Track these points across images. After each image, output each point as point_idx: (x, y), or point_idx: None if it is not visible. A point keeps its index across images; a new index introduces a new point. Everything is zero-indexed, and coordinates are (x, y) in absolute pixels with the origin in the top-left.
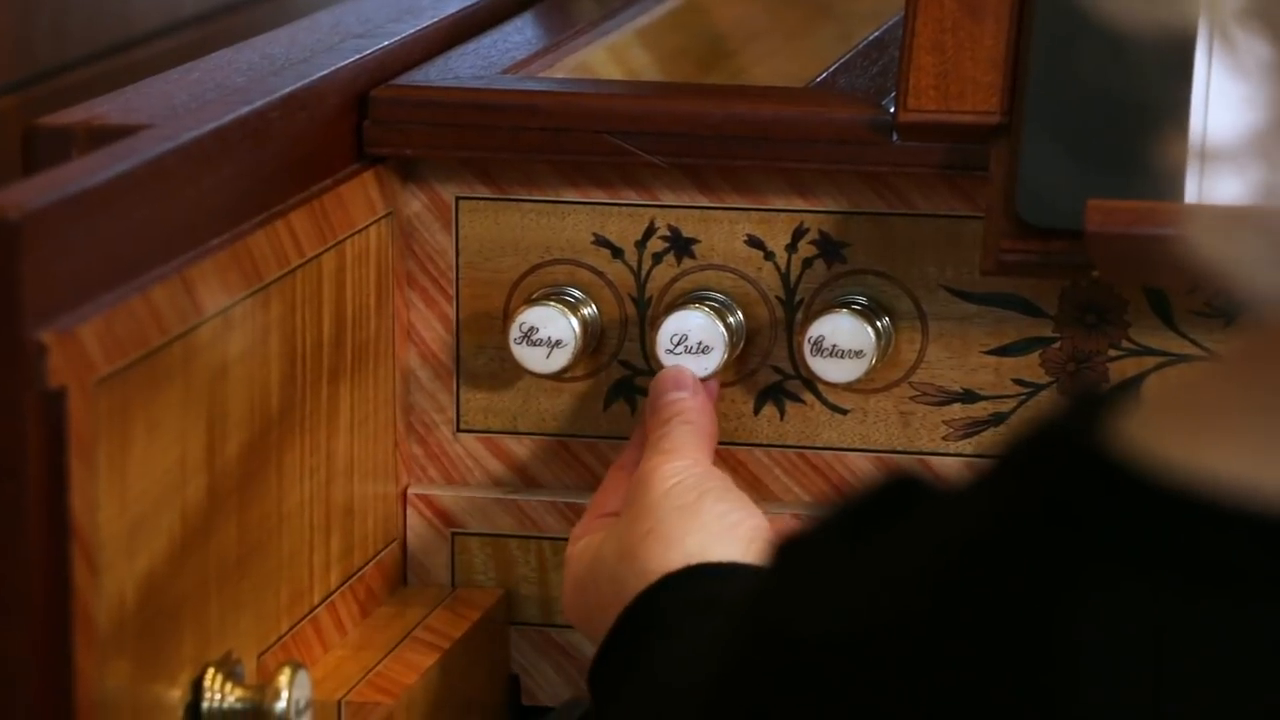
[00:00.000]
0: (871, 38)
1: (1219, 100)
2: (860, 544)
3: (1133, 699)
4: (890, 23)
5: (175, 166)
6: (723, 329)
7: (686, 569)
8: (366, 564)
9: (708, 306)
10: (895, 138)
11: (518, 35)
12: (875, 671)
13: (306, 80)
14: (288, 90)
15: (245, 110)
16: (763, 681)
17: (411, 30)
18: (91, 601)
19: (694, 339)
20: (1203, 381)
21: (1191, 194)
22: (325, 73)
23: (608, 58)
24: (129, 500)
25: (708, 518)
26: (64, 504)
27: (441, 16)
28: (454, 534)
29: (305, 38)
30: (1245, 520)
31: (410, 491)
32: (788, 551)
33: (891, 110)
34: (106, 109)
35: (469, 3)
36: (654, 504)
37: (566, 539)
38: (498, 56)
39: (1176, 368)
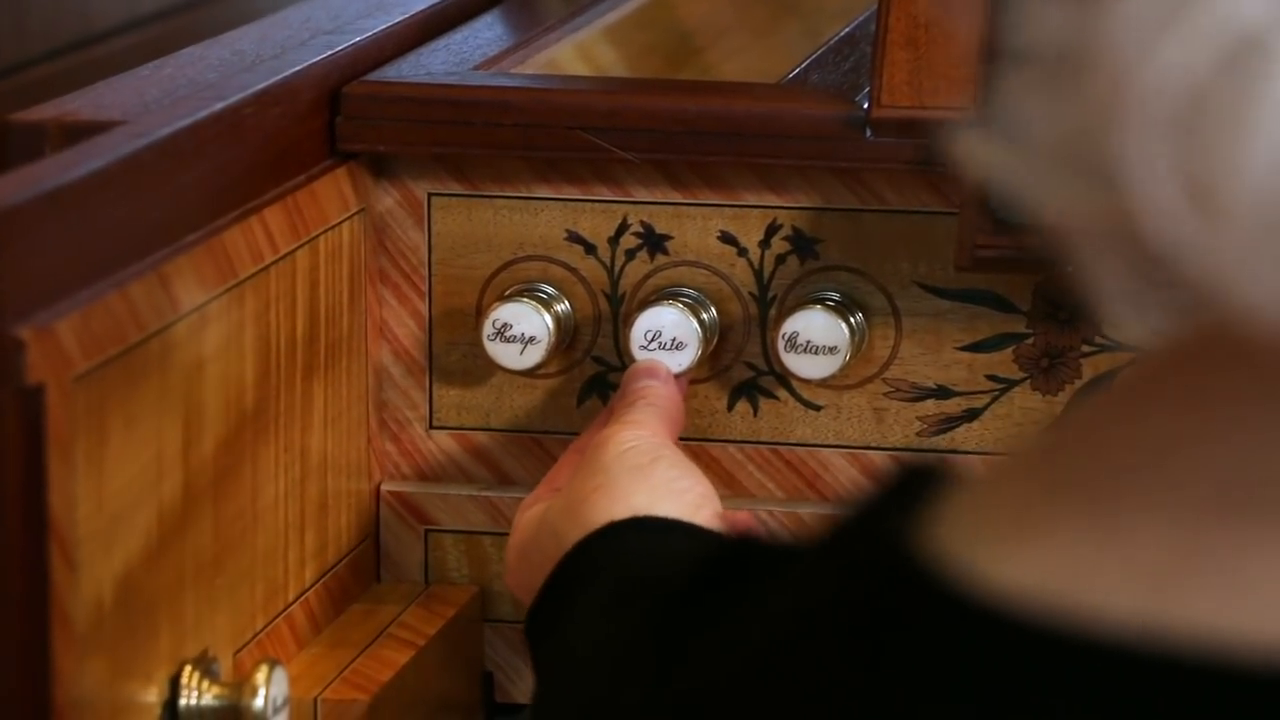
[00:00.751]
0: (842, 34)
1: None
2: (691, 638)
3: None
4: (861, 19)
5: (151, 163)
6: (696, 325)
7: (629, 519)
8: (340, 561)
9: (681, 303)
10: (869, 133)
11: (489, 31)
12: None
13: (280, 76)
14: (261, 86)
15: (219, 106)
16: None
17: (382, 26)
18: (69, 599)
19: (668, 335)
20: (1007, 480)
21: None
22: (298, 69)
23: (578, 55)
24: (106, 497)
25: (657, 480)
26: (42, 501)
27: (412, 13)
28: (427, 531)
29: (276, 34)
30: (1045, 639)
31: (383, 488)
32: (627, 608)
33: (865, 106)
34: (78, 105)
35: None
36: (606, 464)
37: None
38: (469, 53)
39: (994, 461)
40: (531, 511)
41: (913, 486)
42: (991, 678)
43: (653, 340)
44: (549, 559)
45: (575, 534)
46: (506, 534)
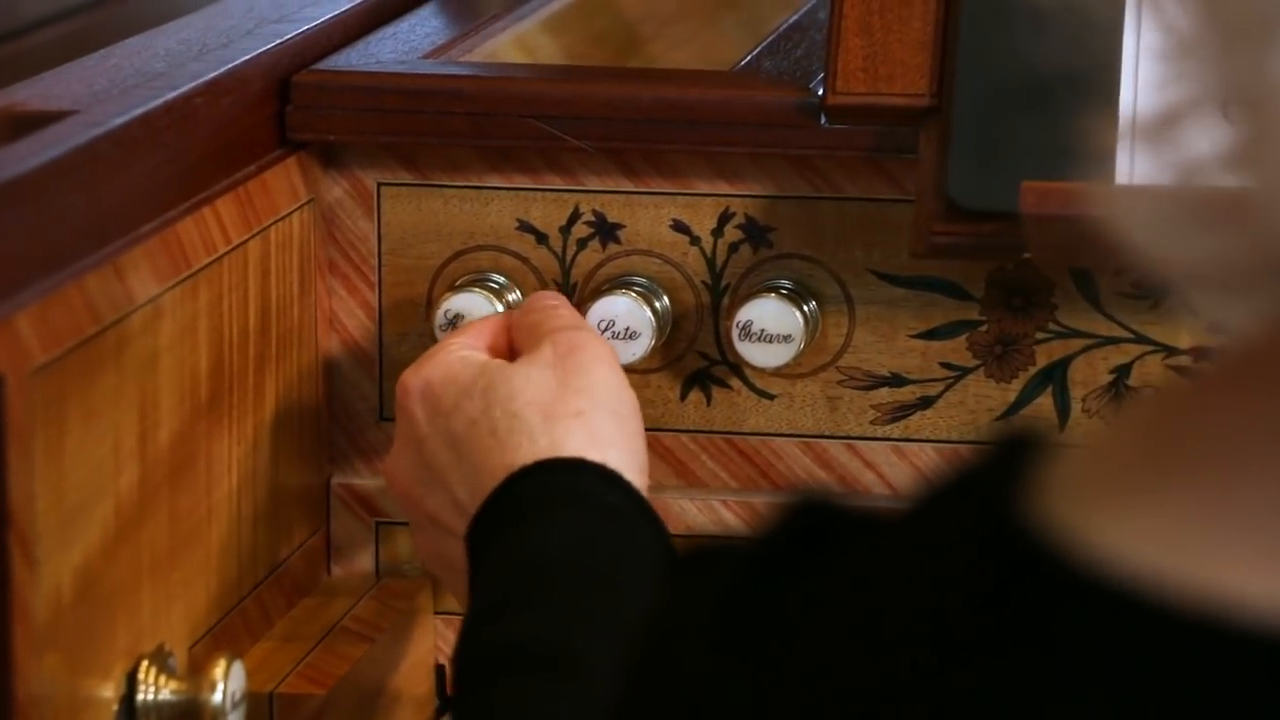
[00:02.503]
0: (791, 21)
1: (1148, 78)
2: (767, 608)
3: None
4: (808, 5)
5: (105, 152)
6: (650, 314)
7: (596, 467)
8: (292, 554)
9: (634, 292)
10: (824, 121)
11: (435, 20)
12: None
13: (230, 65)
14: (212, 75)
15: (171, 95)
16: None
17: (329, 15)
18: (29, 594)
19: (620, 324)
20: (1111, 452)
21: (1123, 174)
22: (247, 57)
23: (523, 44)
24: (65, 491)
25: (636, 443)
26: (2, 495)
27: (358, 1)
28: (378, 523)
29: (220, 23)
30: (1178, 620)
31: (334, 481)
32: (696, 575)
33: (819, 93)
34: (26, 95)
35: None
36: (592, 388)
37: None
38: (417, 41)
39: (1094, 433)
40: (468, 356)
41: (1015, 453)
42: (1123, 659)
43: (605, 329)
44: (494, 442)
45: (542, 445)
46: None
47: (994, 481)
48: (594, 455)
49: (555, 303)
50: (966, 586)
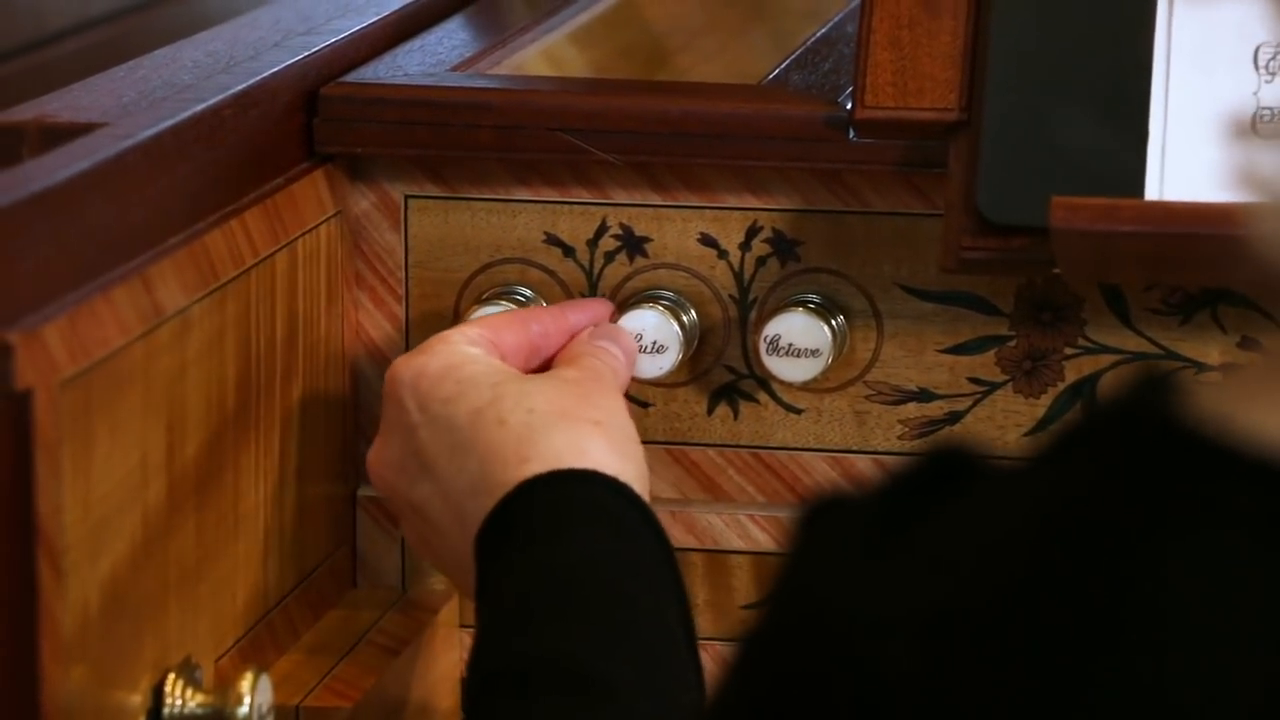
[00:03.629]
0: (819, 35)
1: (1179, 94)
2: (916, 522)
3: (1217, 657)
4: (836, 19)
5: (134, 165)
6: (677, 328)
7: (612, 481)
8: (318, 567)
9: (662, 305)
10: (852, 135)
11: (463, 33)
12: (942, 657)
13: (258, 78)
14: (240, 88)
15: (199, 108)
16: (798, 656)
17: (356, 28)
18: (56, 606)
19: (649, 338)
20: (1261, 363)
21: (1153, 190)
22: (275, 70)
23: (553, 57)
24: (92, 503)
25: (644, 465)
26: (30, 508)
27: (385, 13)
28: (404, 536)
29: (248, 35)
30: None
31: (360, 493)
32: (827, 521)
33: (848, 107)
34: (56, 107)
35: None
36: (611, 407)
37: None
38: (445, 54)
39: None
40: (492, 365)
41: (1153, 384)
42: (1271, 514)
43: (635, 342)
44: (509, 443)
45: (565, 455)
46: None
47: (1140, 403)
48: (610, 466)
49: (608, 346)
50: (1127, 484)
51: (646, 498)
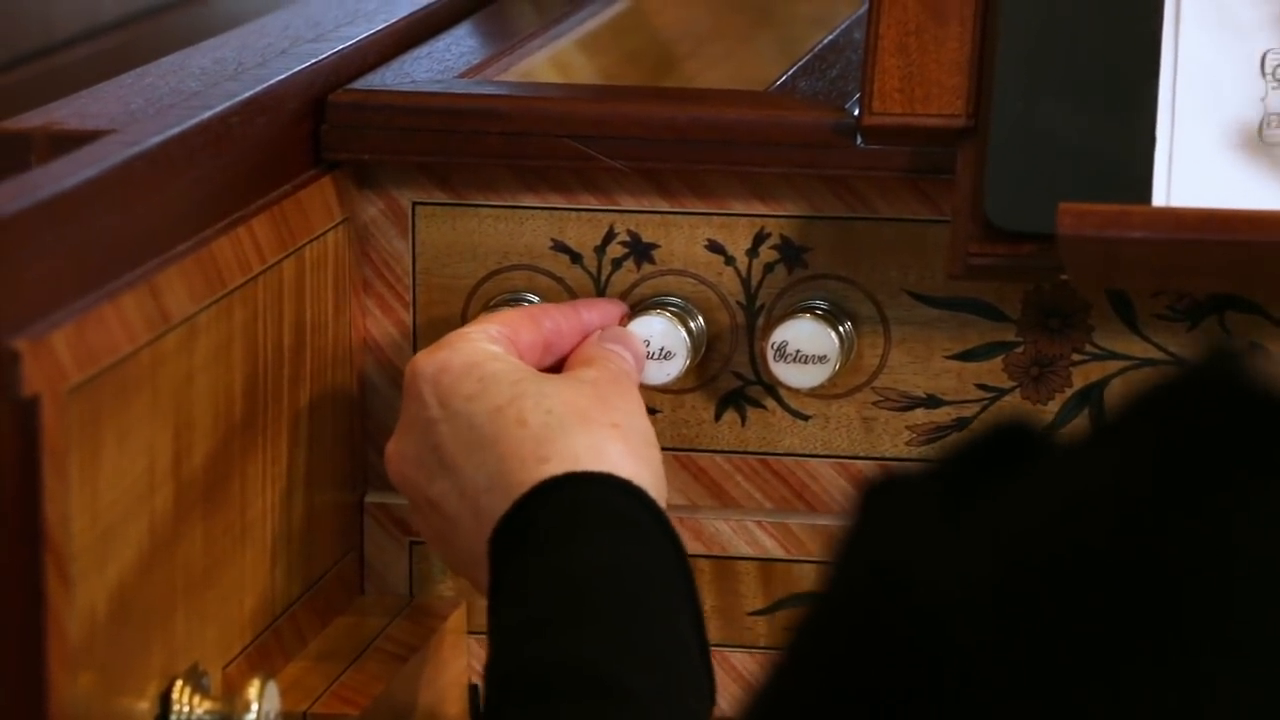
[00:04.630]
0: (826, 41)
1: (1186, 100)
2: (984, 494)
3: None
4: (844, 25)
5: (142, 172)
6: (685, 334)
7: (628, 484)
8: (326, 573)
9: (669, 312)
10: (859, 141)
11: (470, 40)
12: (1016, 623)
13: (265, 85)
14: (247, 95)
15: (207, 115)
16: (869, 619)
17: (364, 34)
18: (64, 613)
19: (656, 345)
20: None
21: (1160, 196)
22: (283, 77)
23: (559, 63)
24: (99, 510)
25: (660, 470)
26: (37, 515)
27: (394, 20)
28: (412, 543)
29: (256, 42)
30: None
31: (368, 500)
32: (890, 496)
33: (855, 113)
34: (64, 114)
35: (418, 6)
36: (629, 410)
37: None
38: (453, 60)
39: None
40: (515, 365)
41: (1218, 357)
42: None
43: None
44: (530, 443)
45: (583, 457)
46: None
47: (1208, 371)
48: (627, 469)
49: (618, 350)
50: (1196, 449)
51: (663, 503)
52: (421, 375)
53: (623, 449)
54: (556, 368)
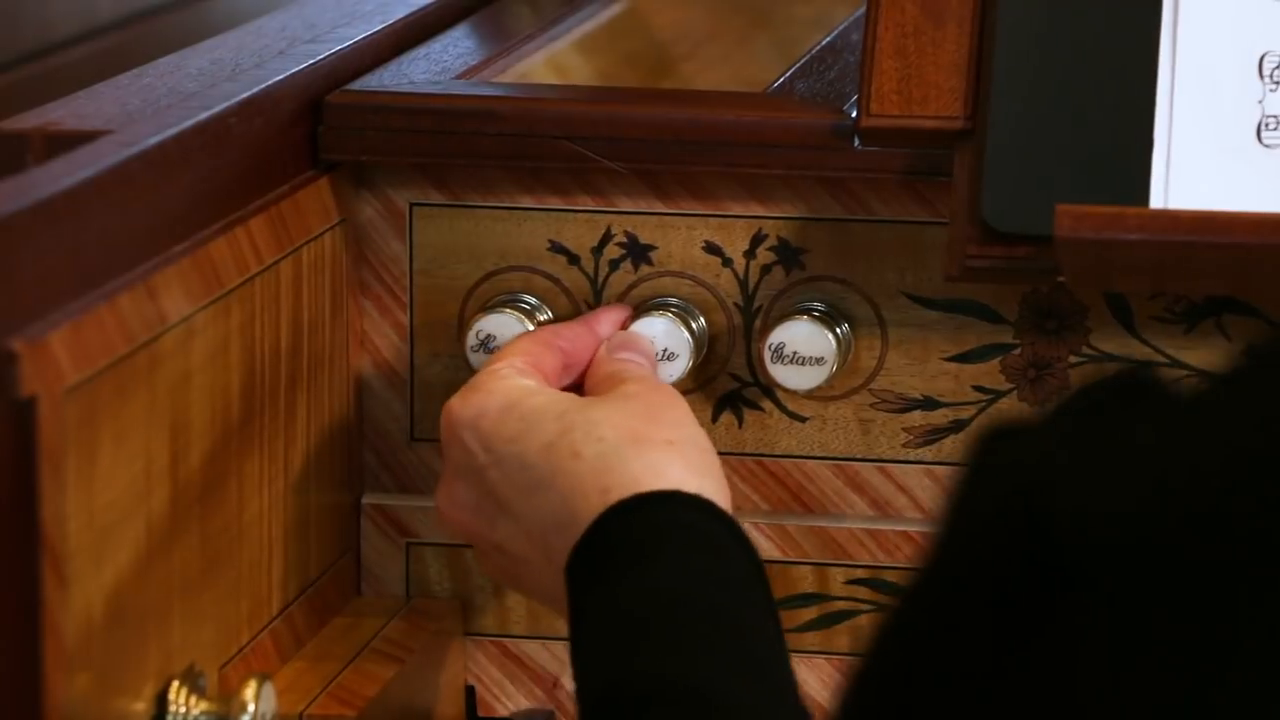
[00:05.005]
0: (824, 43)
1: (1184, 102)
2: (1112, 442)
3: None
4: (841, 27)
5: (139, 172)
6: (687, 334)
7: (696, 499)
8: (323, 574)
9: (671, 313)
10: (857, 143)
11: (467, 41)
12: (1145, 560)
13: (262, 85)
14: (244, 95)
15: (204, 116)
16: (996, 560)
17: (362, 35)
18: (60, 614)
19: (659, 345)
20: None
21: (1158, 198)
22: (280, 78)
23: (556, 64)
24: (96, 511)
25: (721, 475)
26: (34, 515)
27: (390, 21)
28: (408, 544)
29: (253, 43)
30: None
31: (364, 501)
32: (1011, 441)
33: (853, 115)
34: (61, 114)
35: (416, 7)
36: (680, 421)
37: None
38: (450, 61)
39: None
40: (549, 396)
41: None
42: None
43: None
44: (589, 474)
45: (643, 478)
46: None
47: None
48: (690, 484)
49: (631, 357)
50: None
51: (729, 510)
52: (460, 422)
53: (682, 465)
54: (577, 384)
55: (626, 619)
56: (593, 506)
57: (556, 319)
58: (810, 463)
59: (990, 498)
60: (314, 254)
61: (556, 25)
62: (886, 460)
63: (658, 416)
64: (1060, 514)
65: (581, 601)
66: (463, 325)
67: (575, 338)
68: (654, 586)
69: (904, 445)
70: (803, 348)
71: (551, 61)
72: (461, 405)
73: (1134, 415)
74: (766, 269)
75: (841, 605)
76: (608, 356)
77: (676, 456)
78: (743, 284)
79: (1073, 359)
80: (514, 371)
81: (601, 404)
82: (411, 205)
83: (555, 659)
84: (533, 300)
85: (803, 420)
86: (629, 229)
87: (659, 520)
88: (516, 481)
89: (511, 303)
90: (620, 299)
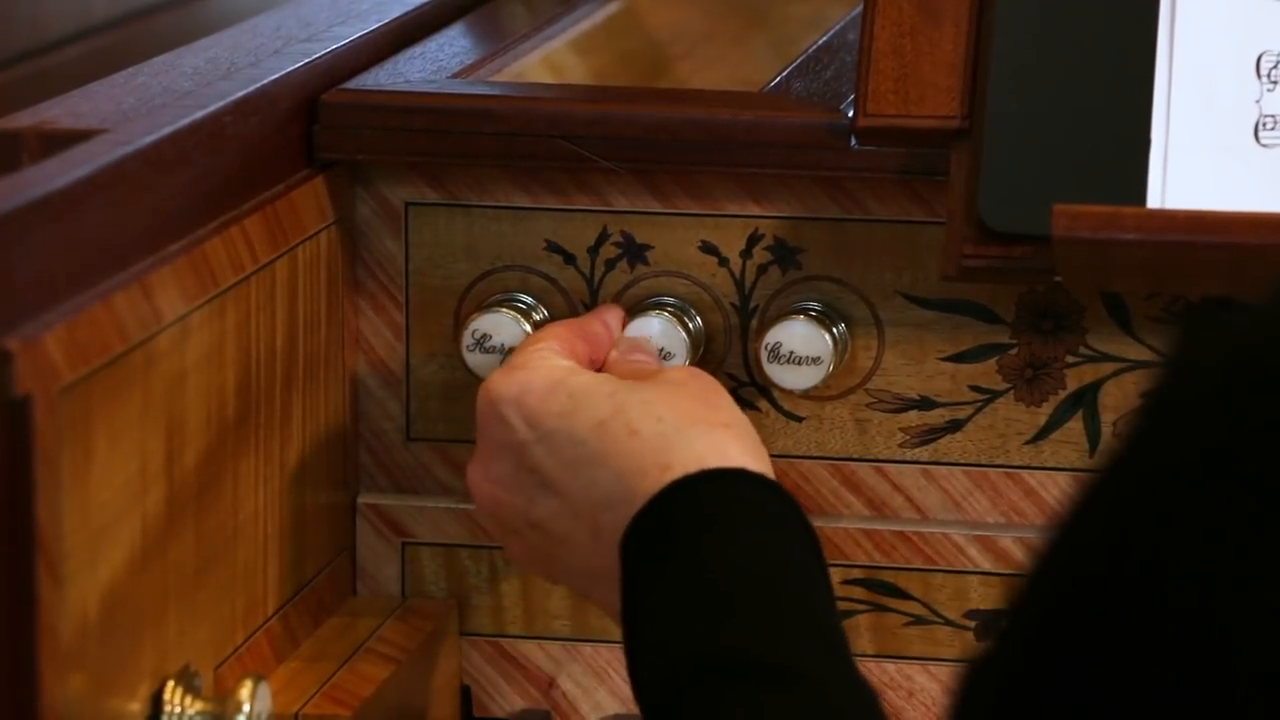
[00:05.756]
0: (820, 43)
1: (1180, 102)
2: None
3: None
4: (838, 26)
5: (134, 171)
6: (684, 334)
7: (759, 477)
8: (318, 574)
9: (668, 312)
10: (854, 142)
11: (464, 39)
12: None
13: (258, 84)
14: (240, 95)
15: (199, 114)
16: (1230, 429)
17: (357, 34)
18: (55, 613)
19: (655, 345)
20: None
21: (1154, 198)
22: (275, 77)
23: (552, 64)
24: (91, 510)
25: (770, 463)
26: (29, 515)
27: (386, 20)
28: (404, 544)
29: (248, 42)
30: None
31: (360, 500)
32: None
33: (850, 115)
34: (56, 113)
35: (411, 6)
36: (731, 406)
37: None
38: (446, 60)
39: None
40: (594, 378)
41: None
42: None
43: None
44: (646, 453)
45: (706, 456)
46: (484, 547)
47: None
48: (751, 465)
49: (646, 360)
50: None
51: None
52: (502, 399)
53: (741, 447)
54: None
55: (707, 592)
56: (651, 483)
57: (553, 318)
58: (806, 462)
59: (1215, 365)
60: (309, 253)
61: (552, 24)
62: (883, 460)
63: (710, 401)
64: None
65: (645, 573)
66: (459, 325)
67: (596, 332)
68: (732, 560)
69: (900, 445)
70: (799, 347)
71: (547, 61)
72: (505, 382)
73: None
74: (763, 269)
75: (839, 605)
76: (623, 357)
77: (735, 438)
78: (739, 284)
79: (1069, 359)
80: (552, 352)
81: (653, 386)
82: (407, 204)
83: (551, 659)
84: (529, 300)
85: (799, 420)
86: (625, 228)
87: (727, 495)
88: (563, 457)
89: (507, 302)
90: (616, 299)
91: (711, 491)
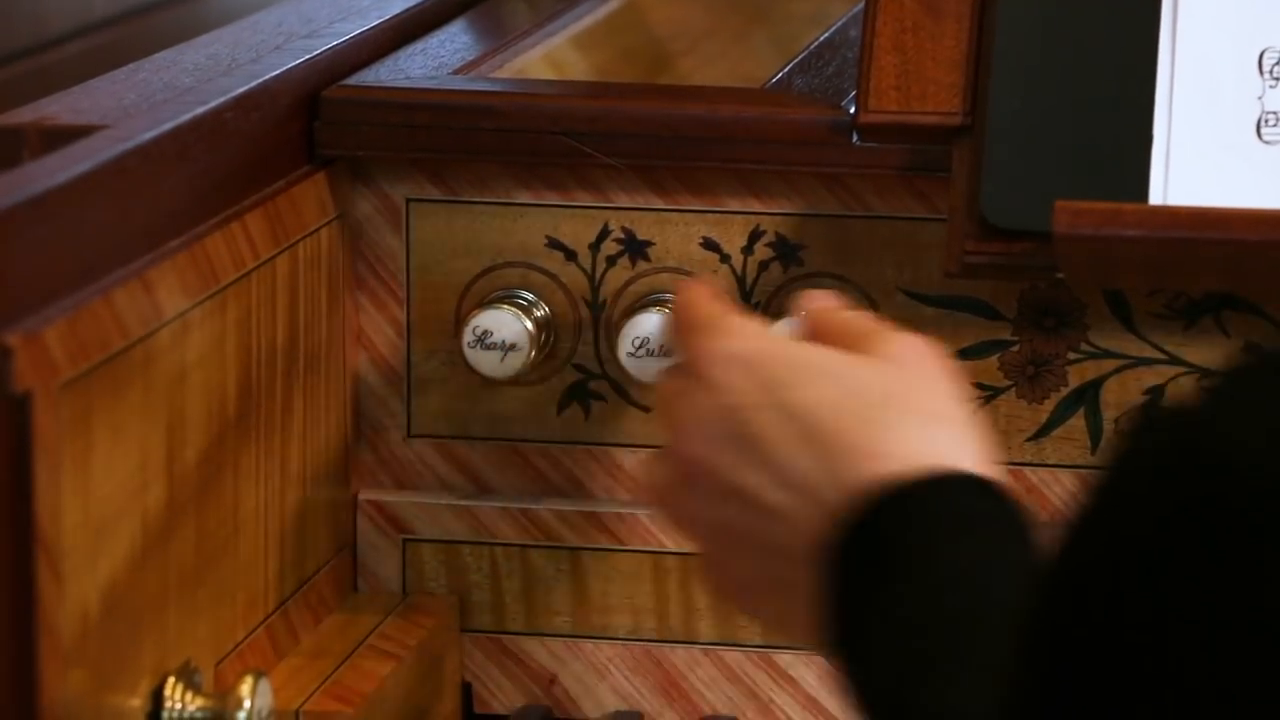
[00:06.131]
0: (822, 39)
1: (1183, 98)
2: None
3: None
4: (840, 23)
5: (135, 167)
6: None
7: (987, 484)
8: (319, 570)
9: (668, 309)
10: (855, 139)
11: (464, 36)
12: None
13: (258, 80)
14: (241, 90)
15: (200, 111)
16: (1178, 506)
17: (358, 31)
18: (56, 610)
19: (655, 342)
20: None
21: (1157, 195)
22: (276, 73)
23: (553, 60)
24: (92, 506)
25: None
26: (29, 511)
27: (387, 17)
28: (405, 540)
29: (249, 38)
30: None
31: (361, 497)
32: (1166, 420)
33: (851, 111)
34: (56, 109)
35: (412, 2)
36: (955, 397)
37: (519, 545)
38: (447, 57)
39: None
40: (786, 342)
41: None
42: None
43: (640, 347)
44: (862, 433)
45: (923, 449)
46: (485, 543)
47: None
48: (967, 462)
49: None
50: None
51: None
52: (719, 359)
53: (961, 442)
54: None
55: (922, 626)
56: (861, 471)
57: (553, 315)
58: None
59: (1156, 447)
60: (310, 249)
61: (554, 21)
62: None
63: (933, 388)
64: (1235, 455)
65: (852, 585)
66: (460, 321)
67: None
68: (951, 584)
69: None
70: None
71: (549, 57)
72: (715, 343)
73: None
74: (764, 265)
75: None
76: (832, 312)
77: (961, 438)
78: (740, 280)
79: (1071, 356)
80: (761, 325)
81: (868, 364)
82: (408, 201)
83: (552, 656)
84: (530, 296)
85: None
86: (626, 225)
87: (961, 507)
88: (790, 430)
89: (509, 298)
90: (617, 295)
91: (935, 504)
